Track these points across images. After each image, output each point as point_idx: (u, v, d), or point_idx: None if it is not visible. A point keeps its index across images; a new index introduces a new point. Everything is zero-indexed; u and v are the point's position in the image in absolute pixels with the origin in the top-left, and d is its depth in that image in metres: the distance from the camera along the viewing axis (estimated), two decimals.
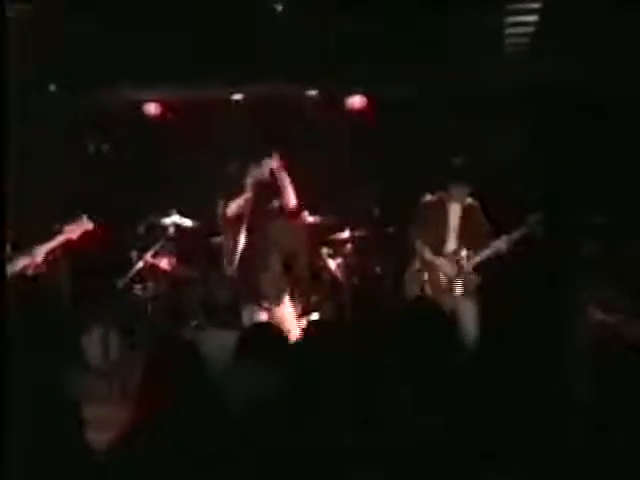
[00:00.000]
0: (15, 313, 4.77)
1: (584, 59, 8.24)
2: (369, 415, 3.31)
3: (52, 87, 9.13)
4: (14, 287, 6.10)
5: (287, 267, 8.30)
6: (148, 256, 8.56)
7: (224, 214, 6.97)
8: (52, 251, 6.50)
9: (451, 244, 7.26)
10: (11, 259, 6.15)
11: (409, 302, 6.57)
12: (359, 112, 9.86)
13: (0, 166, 3.99)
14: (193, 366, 3.36)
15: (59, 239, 6.53)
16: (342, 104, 9.89)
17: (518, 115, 9.22)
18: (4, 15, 4.52)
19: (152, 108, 9.93)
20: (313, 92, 9.86)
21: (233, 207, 6.90)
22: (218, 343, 4.71)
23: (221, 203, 6.98)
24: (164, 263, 8.69)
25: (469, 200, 7.27)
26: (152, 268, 8.64)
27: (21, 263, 6.26)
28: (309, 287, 8.88)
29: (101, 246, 8.77)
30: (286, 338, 4.19)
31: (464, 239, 7.21)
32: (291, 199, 7.02)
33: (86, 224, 6.70)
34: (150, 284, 8.61)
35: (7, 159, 4.02)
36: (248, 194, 6.91)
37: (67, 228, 6.56)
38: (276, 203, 7.28)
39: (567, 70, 8.50)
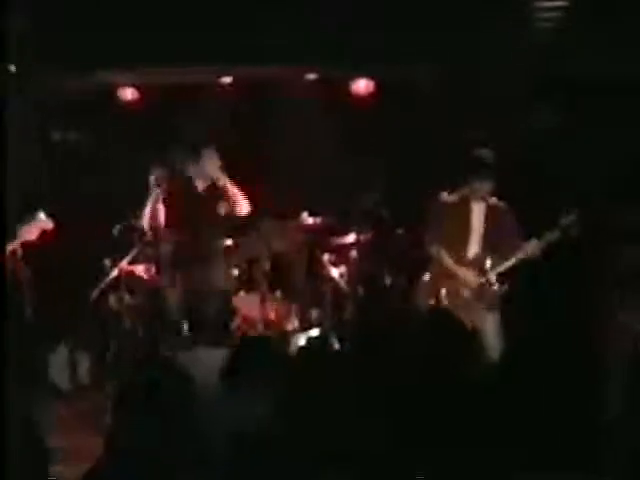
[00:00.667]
0: None
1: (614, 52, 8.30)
2: (370, 446, 3.31)
3: (12, 68, 9.09)
4: None
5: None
6: (124, 263, 8.52)
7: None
8: (8, 257, 6.43)
9: (473, 249, 7.23)
10: None
11: (423, 315, 6.56)
12: (365, 99, 9.85)
13: None
14: (176, 389, 3.34)
15: (14, 243, 6.47)
16: (345, 89, 9.88)
17: (544, 106, 9.23)
18: None
19: (128, 93, 9.91)
20: (312, 75, 9.85)
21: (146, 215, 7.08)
22: (205, 363, 4.69)
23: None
24: (142, 271, 8.64)
25: (494, 199, 7.25)
26: (128, 277, 8.60)
27: None
28: (308, 299, 8.87)
29: (69, 251, 8.77)
30: (282, 357, 4.18)
31: (488, 243, 7.18)
32: (239, 204, 7.12)
33: (44, 223, 6.64)
34: (126, 295, 8.57)
35: None
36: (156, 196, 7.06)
37: (23, 229, 6.50)
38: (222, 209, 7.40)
39: (597, 62, 8.52)
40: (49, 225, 6.64)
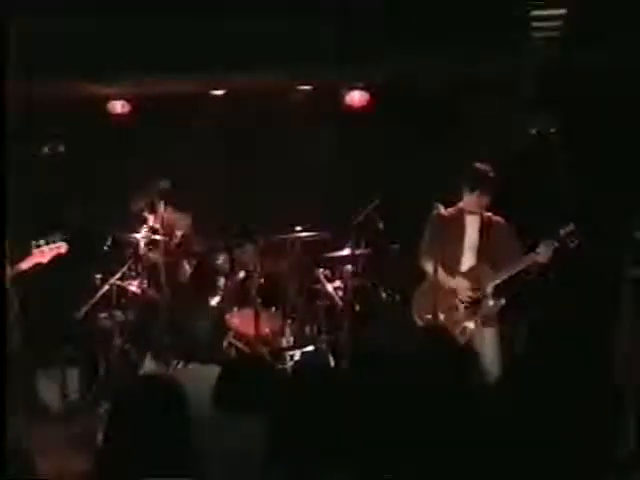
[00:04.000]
0: None
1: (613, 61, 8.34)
2: (366, 462, 3.31)
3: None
4: None
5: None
6: (114, 279, 8.51)
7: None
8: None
9: (468, 262, 7.24)
10: None
11: (419, 330, 6.56)
12: (359, 110, 9.86)
13: None
14: (169, 408, 3.34)
15: (25, 263, 6.44)
16: (340, 100, 9.89)
17: (542, 112, 9.25)
18: None
19: (118, 106, 9.91)
20: (306, 87, 9.86)
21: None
22: (198, 380, 4.69)
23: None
24: (134, 286, 8.62)
25: (488, 212, 7.27)
26: (119, 293, 8.59)
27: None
28: (303, 315, 8.86)
29: (57, 267, 8.76)
30: (276, 374, 4.18)
31: (483, 256, 7.19)
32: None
33: (59, 246, 6.63)
34: (117, 312, 8.56)
35: None
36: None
37: (35, 251, 6.48)
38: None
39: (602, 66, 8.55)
40: (64, 249, 6.63)
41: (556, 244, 6.92)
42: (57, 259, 7.11)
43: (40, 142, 9.69)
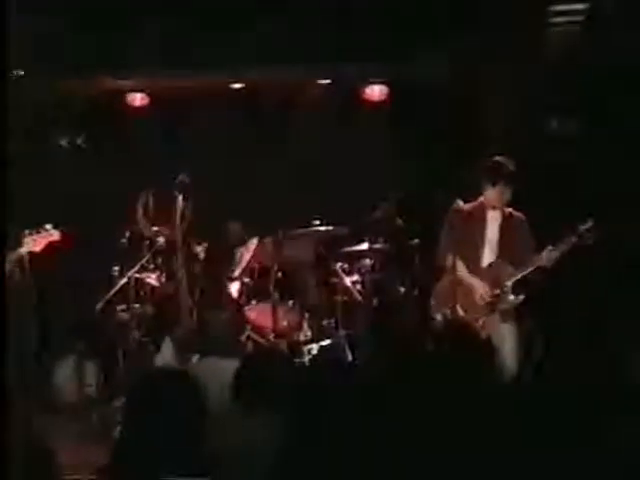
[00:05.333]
0: None
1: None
2: (388, 459, 3.28)
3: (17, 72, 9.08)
4: None
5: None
6: (133, 271, 8.50)
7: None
8: (12, 266, 6.41)
9: (488, 258, 7.21)
10: None
11: (438, 326, 6.54)
12: (379, 105, 9.83)
13: None
14: (186, 401, 3.33)
15: (18, 252, 6.44)
16: (359, 95, 9.87)
17: (560, 106, 9.21)
18: None
19: (137, 99, 9.91)
20: (325, 81, 9.84)
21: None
22: (215, 374, 4.68)
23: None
24: (152, 280, 8.62)
25: (510, 208, 7.23)
26: (137, 286, 8.59)
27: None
28: (321, 309, 8.85)
29: (75, 260, 8.77)
30: (292, 368, 4.17)
31: (503, 252, 7.14)
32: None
33: (51, 234, 6.64)
34: (135, 305, 8.56)
35: None
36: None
37: (28, 239, 6.49)
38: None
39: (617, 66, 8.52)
40: (56, 237, 6.64)
41: (572, 241, 6.88)
42: (73, 250, 7.13)
43: (57, 136, 9.72)
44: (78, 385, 8.04)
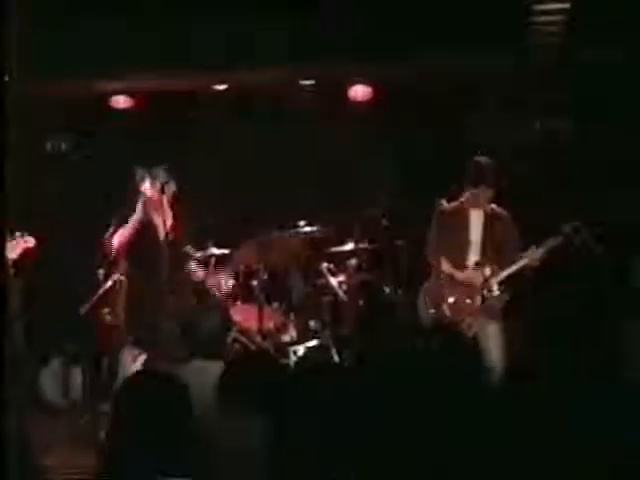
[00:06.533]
0: None
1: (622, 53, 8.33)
2: (370, 461, 3.29)
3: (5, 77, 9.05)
4: None
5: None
6: (118, 274, 8.48)
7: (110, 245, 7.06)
8: None
9: (473, 257, 7.23)
10: None
11: (424, 325, 6.55)
12: (362, 104, 9.84)
13: None
14: (172, 404, 3.33)
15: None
16: (342, 95, 9.87)
17: (545, 104, 9.24)
18: None
19: (121, 101, 9.89)
20: (308, 82, 9.84)
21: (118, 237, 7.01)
22: (201, 376, 4.69)
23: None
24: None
25: (492, 205, 7.25)
26: (122, 288, 8.56)
27: None
28: (307, 309, 8.85)
29: (61, 262, 8.75)
30: (279, 369, 4.17)
31: (488, 251, 7.17)
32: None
33: (27, 241, 6.62)
34: (120, 308, 8.53)
35: None
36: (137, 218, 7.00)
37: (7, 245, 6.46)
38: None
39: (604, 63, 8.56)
40: (31, 243, 6.63)
41: (558, 240, 6.91)
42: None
43: (46, 140, 9.70)
44: (64, 389, 8.01)
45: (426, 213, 7.35)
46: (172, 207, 7.31)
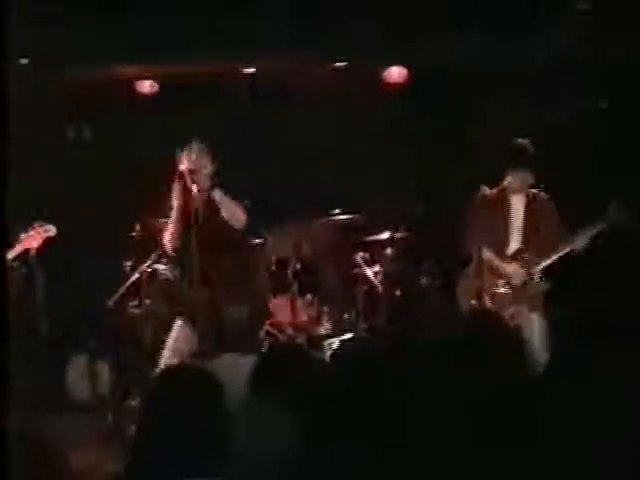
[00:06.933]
0: None
1: None
2: (406, 455, 3.28)
3: (24, 61, 9.08)
4: None
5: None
6: (145, 265, 8.50)
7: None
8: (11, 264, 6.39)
9: (514, 245, 7.18)
10: None
11: (464, 316, 6.52)
12: (397, 87, 9.80)
13: None
14: (203, 400, 3.33)
15: (14, 251, 6.44)
16: (377, 78, 9.83)
17: (586, 85, 9.17)
18: None
19: (146, 86, 9.91)
20: (341, 64, 9.80)
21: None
22: (233, 371, 4.69)
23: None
24: (165, 274, 8.60)
25: (534, 190, 7.21)
26: (150, 280, 8.57)
27: None
28: (341, 301, 8.83)
29: (84, 254, 8.77)
30: (314, 364, 4.16)
31: (530, 238, 7.13)
32: (234, 214, 6.91)
33: (47, 230, 6.64)
34: (148, 301, 8.55)
35: None
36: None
37: (23, 236, 6.49)
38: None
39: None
40: (52, 232, 6.64)
41: (599, 228, 6.86)
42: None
43: (64, 127, 9.72)
44: (90, 384, 8.04)
45: (465, 199, 7.30)
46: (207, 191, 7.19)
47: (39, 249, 6.55)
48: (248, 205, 6.90)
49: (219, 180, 7.00)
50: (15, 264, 6.44)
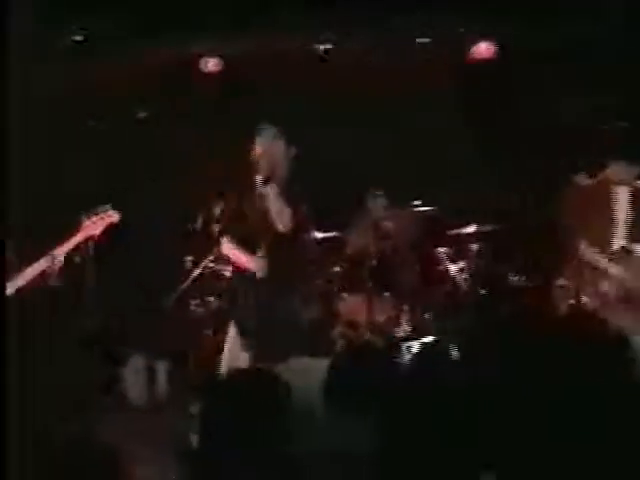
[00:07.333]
0: (28, 337, 4.80)
1: None
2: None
3: (77, 37, 9.19)
4: (25, 304, 6.10)
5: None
6: (207, 260, 8.55)
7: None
8: (71, 254, 6.45)
9: (618, 240, 7.11)
10: (17, 266, 6.14)
11: (561, 317, 6.45)
12: (485, 66, 9.74)
13: None
14: (271, 406, 3.34)
15: (75, 238, 6.50)
16: (462, 55, 9.79)
17: None
18: None
19: (209, 64, 9.96)
20: (424, 40, 9.77)
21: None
22: (304, 375, 4.70)
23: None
24: (230, 270, 8.63)
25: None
26: (214, 277, 8.63)
27: (33, 272, 6.25)
28: (422, 300, 8.81)
29: (143, 248, 8.85)
30: (392, 368, 4.15)
31: (636, 233, 7.06)
32: (280, 216, 6.84)
33: (111, 216, 6.68)
34: (211, 299, 8.61)
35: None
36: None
37: (86, 222, 6.55)
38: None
39: None
40: (115, 217, 6.68)
41: None
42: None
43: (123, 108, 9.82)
44: (148, 388, 8.11)
45: (561, 190, 7.24)
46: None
47: (99, 237, 6.59)
48: (305, 210, 6.84)
49: (287, 171, 6.95)
50: (76, 256, 6.50)
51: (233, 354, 6.90)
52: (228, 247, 6.88)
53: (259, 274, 6.66)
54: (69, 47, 8.97)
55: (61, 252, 6.26)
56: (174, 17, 8.79)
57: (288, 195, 6.67)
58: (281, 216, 6.67)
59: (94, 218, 6.51)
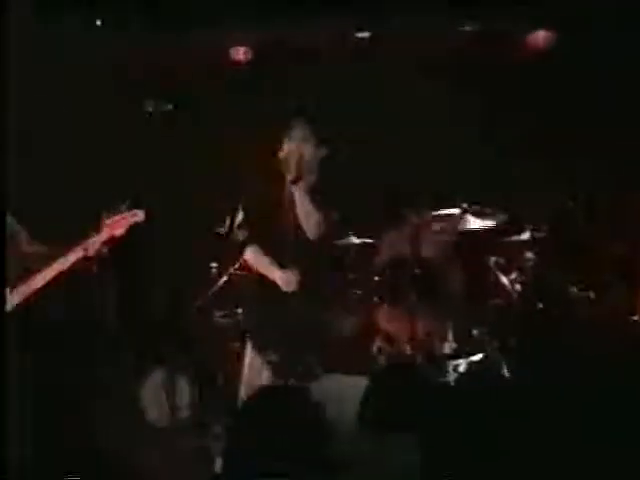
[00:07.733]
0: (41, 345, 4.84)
1: None
2: None
3: (98, 22, 9.26)
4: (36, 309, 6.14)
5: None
6: (234, 268, 8.57)
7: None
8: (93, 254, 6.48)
9: None
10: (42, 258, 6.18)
11: (622, 333, 6.45)
12: (542, 56, 9.72)
13: None
14: (303, 428, 3.34)
15: (97, 238, 6.52)
16: (518, 44, 9.77)
17: None
18: None
19: (241, 54, 10.00)
20: (472, 27, 9.77)
21: None
22: (339, 394, 4.70)
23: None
24: (256, 281, 8.66)
25: None
26: (239, 287, 8.64)
27: (62, 266, 6.27)
28: (469, 314, 8.78)
29: (165, 252, 8.89)
30: (436, 388, 4.15)
31: None
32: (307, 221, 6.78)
33: (135, 214, 6.70)
34: (238, 309, 8.62)
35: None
36: None
37: (107, 222, 6.57)
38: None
39: None
40: (140, 217, 6.69)
41: None
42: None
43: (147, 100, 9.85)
44: (169, 404, 8.13)
45: (628, 195, 7.22)
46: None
47: (121, 238, 6.61)
48: (336, 217, 6.81)
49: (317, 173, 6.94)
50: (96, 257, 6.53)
51: (253, 372, 6.89)
52: (253, 257, 6.86)
53: (287, 288, 6.62)
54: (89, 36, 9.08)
55: (81, 252, 6.30)
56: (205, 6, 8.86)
57: (318, 199, 6.61)
58: (309, 222, 6.62)
59: (117, 217, 6.53)
